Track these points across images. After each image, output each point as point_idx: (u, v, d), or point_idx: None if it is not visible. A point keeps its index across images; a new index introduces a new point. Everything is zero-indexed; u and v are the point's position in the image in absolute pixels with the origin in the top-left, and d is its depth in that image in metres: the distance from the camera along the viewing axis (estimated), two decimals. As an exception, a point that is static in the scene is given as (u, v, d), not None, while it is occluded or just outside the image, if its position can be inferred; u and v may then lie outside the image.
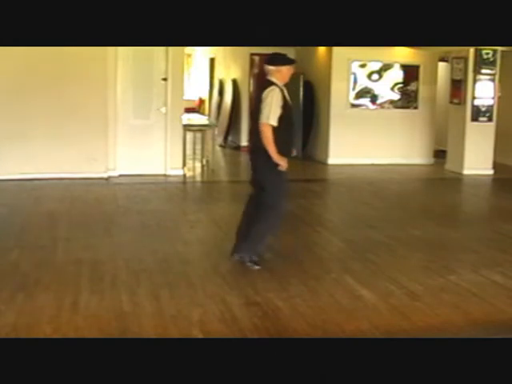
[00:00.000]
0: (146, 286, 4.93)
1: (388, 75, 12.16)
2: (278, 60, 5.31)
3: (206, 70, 16.92)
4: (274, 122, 5.13)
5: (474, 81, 10.89)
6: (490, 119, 11.03)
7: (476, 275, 5.43)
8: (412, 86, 12.25)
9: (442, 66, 12.63)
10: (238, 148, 13.71)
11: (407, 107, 12.31)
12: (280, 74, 5.26)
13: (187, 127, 10.69)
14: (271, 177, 5.29)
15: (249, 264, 5.42)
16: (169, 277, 5.22)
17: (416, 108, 12.32)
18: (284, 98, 5.25)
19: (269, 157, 5.19)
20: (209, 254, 5.99)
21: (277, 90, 5.19)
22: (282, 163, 5.24)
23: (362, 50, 11.00)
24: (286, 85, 5.35)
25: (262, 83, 5.45)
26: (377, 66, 12.08)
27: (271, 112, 5.13)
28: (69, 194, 8.53)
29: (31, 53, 8.69)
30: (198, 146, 11.60)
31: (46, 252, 5.79)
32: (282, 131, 5.19)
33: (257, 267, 5.39)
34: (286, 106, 5.24)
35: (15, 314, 4.31)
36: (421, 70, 12.21)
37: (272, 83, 5.23)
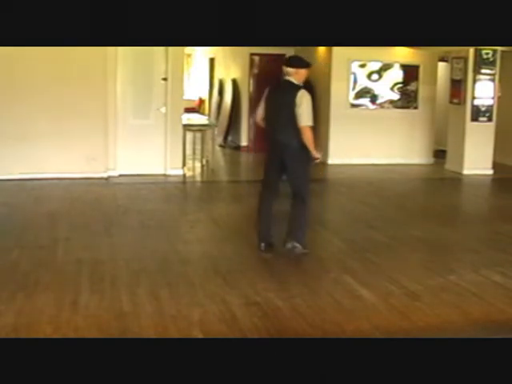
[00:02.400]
0: (146, 286, 4.93)
1: (388, 75, 12.17)
2: (298, 62, 5.79)
3: (205, 70, 16.92)
4: (312, 122, 5.77)
5: (474, 81, 10.89)
6: (489, 119, 11.04)
7: (476, 275, 5.43)
8: (412, 86, 12.26)
9: (441, 65, 12.63)
10: (237, 148, 13.71)
11: (407, 107, 12.32)
12: (298, 76, 5.70)
13: (187, 127, 10.69)
14: (302, 169, 5.87)
15: (301, 251, 5.83)
16: (169, 277, 5.22)
17: (416, 108, 12.33)
18: None
19: (301, 152, 5.74)
20: (209, 253, 5.99)
21: (306, 92, 5.66)
22: (318, 154, 5.88)
23: (362, 49, 11.01)
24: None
25: (279, 84, 5.91)
26: (377, 65, 12.08)
27: (310, 114, 5.70)
28: (69, 194, 8.53)
29: (31, 53, 8.70)
30: (198, 146, 11.60)
31: (46, 252, 5.79)
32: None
33: (306, 250, 5.87)
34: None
35: (15, 314, 4.31)
36: (420, 69, 12.22)
37: (296, 85, 5.67)
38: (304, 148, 5.74)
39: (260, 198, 6.16)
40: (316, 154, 5.83)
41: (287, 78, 5.74)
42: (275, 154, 5.89)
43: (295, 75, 5.70)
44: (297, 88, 5.65)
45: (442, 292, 5.01)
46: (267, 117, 5.94)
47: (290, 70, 5.71)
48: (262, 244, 5.93)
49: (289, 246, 5.85)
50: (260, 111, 6.06)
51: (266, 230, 5.99)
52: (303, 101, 5.62)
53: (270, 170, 6.03)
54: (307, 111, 5.67)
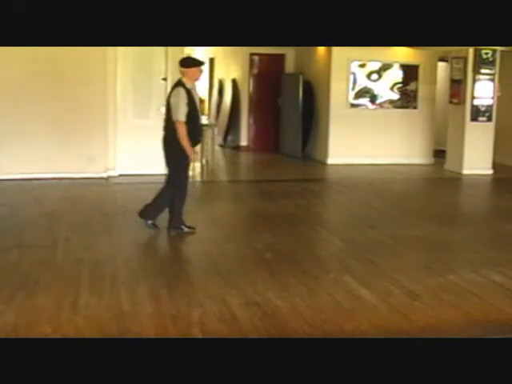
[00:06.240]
0: (146, 286, 4.93)
1: (387, 75, 12.16)
2: (187, 62, 6.23)
3: (205, 70, 16.90)
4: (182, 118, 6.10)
5: (474, 81, 10.89)
6: (489, 119, 11.04)
7: (476, 275, 5.43)
8: (411, 86, 12.25)
9: (441, 65, 12.63)
10: (237, 148, 13.71)
11: (407, 107, 12.31)
12: (189, 74, 6.14)
13: (187, 127, 10.66)
14: (174, 163, 6.33)
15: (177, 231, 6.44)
16: (169, 277, 5.22)
17: (415, 108, 12.32)
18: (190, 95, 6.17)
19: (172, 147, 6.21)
20: (209, 253, 5.99)
21: (180, 90, 6.07)
22: (192, 154, 6.30)
23: (362, 49, 11.00)
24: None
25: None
26: (376, 65, 12.08)
27: (179, 110, 6.05)
28: (69, 193, 8.53)
29: (31, 53, 8.69)
30: (198, 146, 11.57)
31: (45, 252, 5.79)
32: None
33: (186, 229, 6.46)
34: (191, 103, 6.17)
35: (15, 313, 4.31)
36: (420, 69, 12.21)
37: (176, 83, 6.17)
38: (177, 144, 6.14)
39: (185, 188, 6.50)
40: (189, 152, 6.18)
41: (181, 77, 6.20)
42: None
43: (185, 74, 6.13)
44: (174, 86, 6.16)
45: (442, 292, 5.01)
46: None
47: (180, 69, 6.18)
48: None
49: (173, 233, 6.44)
50: None
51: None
52: (173, 97, 6.07)
53: None
54: (176, 107, 6.02)
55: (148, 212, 6.55)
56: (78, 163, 9.42)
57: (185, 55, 6.61)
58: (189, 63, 6.22)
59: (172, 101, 6.10)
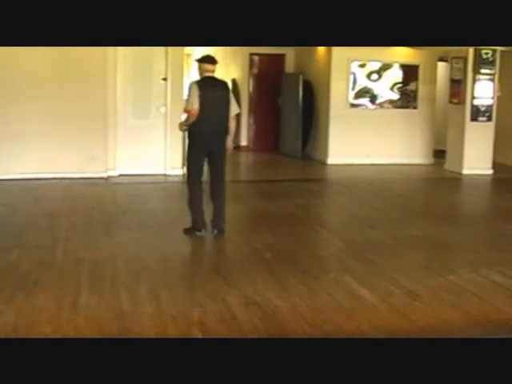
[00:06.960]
0: (146, 286, 4.93)
1: (387, 75, 12.16)
2: (214, 60, 6.42)
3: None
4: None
5: (474, 81, 10.89)
6: (489, 119, 11.04)
7: (475, 275, 5.43)
8: (411, 86, 12.25)
9: (441, 65, 12.64)
10: (237, 148, 13.70)
11: (407, 107, 12.31)
12: (215, 71, 6.44)
13: (187, 127, 10.67)
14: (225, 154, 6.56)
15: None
16: (169, 277, 5.22)
17: (415, 108, 12.32)
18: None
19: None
20: (209, 253, 5.99)
21: None
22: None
23: (362, 49, 11.00)
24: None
25: (208, 80, 6.42)
26: (376, 65, 12.08)
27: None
28: (69, 193, 8.53)
29: (31, 53, 8.70)
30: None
31: (45, 252, 5.79)
32: None
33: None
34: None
35: (15, 313, 4.31)
36: (420, 69, 12.21)
37: (224, 80, 6.70)
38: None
39: (194, 188, 6.42)
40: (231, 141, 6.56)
41: (209, 74, 6.34)
42: (205, 143, 6.31)
43: (214, 71, 6.38)
44: (222, 81, 6.57)
45: (442, 292, 5.01)
46: (205, 110, 6.24)
47: (213, 67, 6.35)
48: (203, 230, 6.32)
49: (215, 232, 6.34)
50: (196, 105, 6.27)
51: (203, 216, 6.39)
52: (230, 92, 6.51)
53: (201, 160, 6.41)
54: (234, 100, 6.49)
55: (217, 221, 6.43)
56: (78, 163, 9.42)
57: (204, 55, 6.79)
58: (215, 60, 6.43)
59: (231, 95, 6.43)
